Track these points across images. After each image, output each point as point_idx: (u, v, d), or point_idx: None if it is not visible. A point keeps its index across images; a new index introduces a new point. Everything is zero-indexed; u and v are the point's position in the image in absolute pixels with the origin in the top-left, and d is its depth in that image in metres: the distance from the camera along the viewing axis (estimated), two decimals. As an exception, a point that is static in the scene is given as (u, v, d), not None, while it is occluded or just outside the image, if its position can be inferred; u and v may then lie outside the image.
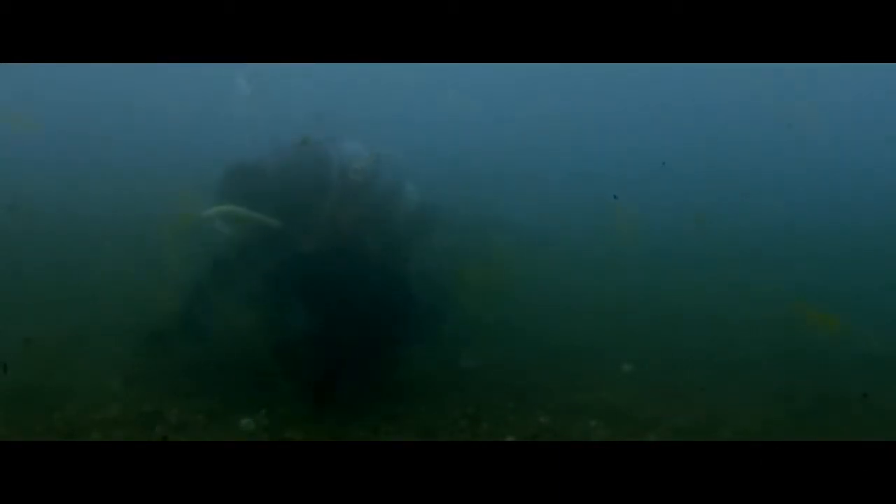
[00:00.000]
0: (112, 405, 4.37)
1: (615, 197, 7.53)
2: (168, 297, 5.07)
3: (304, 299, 4.60)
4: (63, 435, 3.91)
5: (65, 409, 4.25)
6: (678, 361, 5.83)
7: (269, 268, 4.72)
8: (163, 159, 12.03)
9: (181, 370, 4.86)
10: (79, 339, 5.51)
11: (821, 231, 11.87)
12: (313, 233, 4.66)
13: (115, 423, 4.12)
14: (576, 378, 5.31)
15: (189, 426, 4.14)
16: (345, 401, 4.48)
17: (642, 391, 5.08)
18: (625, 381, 5.38)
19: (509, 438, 4.14)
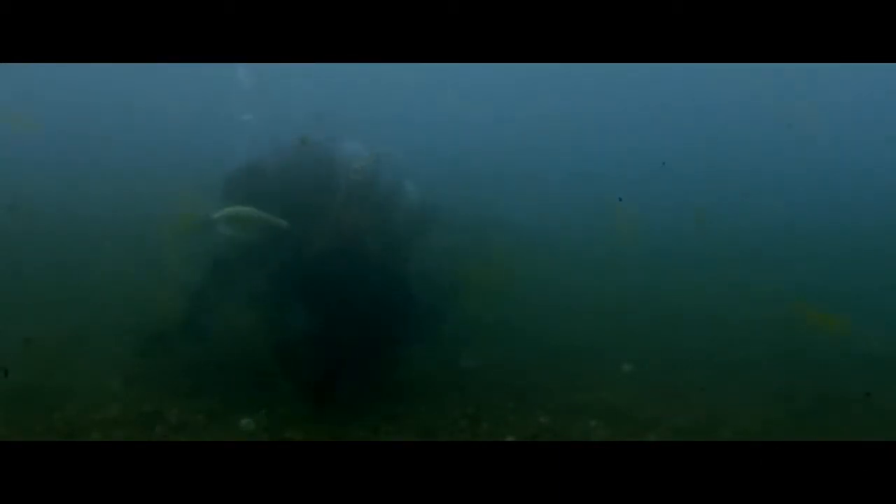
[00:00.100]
0: (112, 405, 4.37)
1: (619, 199, 7.53)
2: (168, 297, 5.07)
3: (304, 299, 4.60)
4: (63, 435, 3.91)
5: (65, 409, 4.25)
6: (678, 361, 5.83)
7: (269, 268, 4.72)
8: (163, 159, 12.03)
9: (181, 370, 4.86)
10: (79, 339, 5.52)
11: (821, 231, 11.87)
12: (313, 233, 4.66)
13: (115, 423, 4.12)
14: (576, 378, 5.31)
15: (189, 426, 4.14)
16: (345, 401, 4.48)
17: (642, 391, 5.08)
18: (625, 381, 5.38)
19: (509, 438, 4.13)
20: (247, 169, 4.87)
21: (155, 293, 5.36)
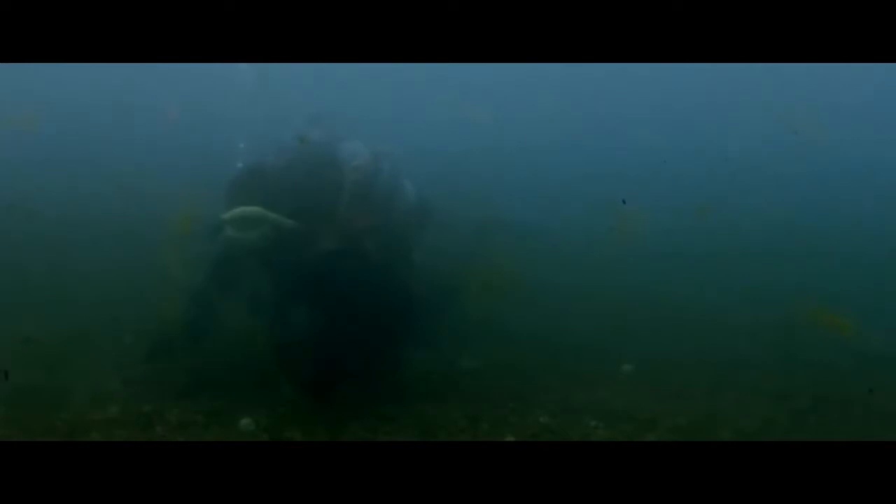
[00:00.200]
0: (112, 405, 4.37)
1: (624, 202, 7.53)
2: (168, 296, 5.07)
3: (304, 299, 4.61)
4: (63, 435, 3.91)
5: (65, 409, 4.25)
6: (678, 361, 5.82)
7: (270, 268, 4.72)
8: (163, 159, 12.02)
9: (181, 370, 4.86)
10: (79, 339, 5.52)
11: (821, 231, 11.86)
12: (312, 232, 4.66)
13: (115, 423, 4.12)
14: (576, 378, 5.31)
15: (189, 426, 4.14)
16: (345, 401, 4.48)
17: (642, 391, 5.07)
18: (625, 381, 5.38)
19: (509, 438, 4.14)
20: (248, 169, 4.86)
21: (155, 293, 5.37)
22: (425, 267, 5.11)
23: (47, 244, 7.77)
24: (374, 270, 4.60)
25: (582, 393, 4.97)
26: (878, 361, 5.93)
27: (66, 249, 7.75)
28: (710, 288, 8.46)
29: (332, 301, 4.44)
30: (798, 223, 12.12)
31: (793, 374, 5.67)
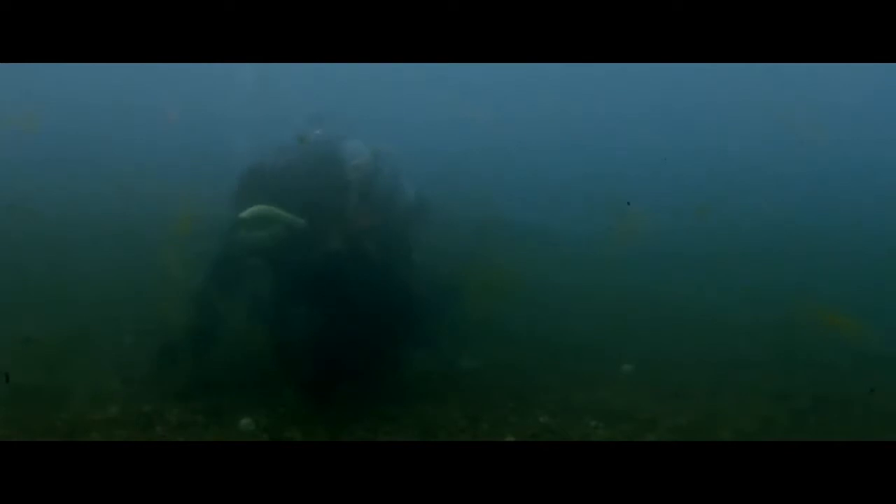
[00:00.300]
0: (112, 405, 4.37)
1: (628, 203, 7.54)
2: (168, 296, 5.07)
3: (304, 299, 4.60)
4: (63, 435, 3.91)
5: (65, 409, 4.25)
6: (678, 361, 5.82)
7: (273, 268, 4.72)
8: (163, 159, 12.02)
9: (181, 370, 4.86)
10: (79, 339, 5.51)
11: (821, 231, 11.86)
12: (313, 232, 4.66)
13: (115, 423, 4.12)
14: (576, 378, 5.31)
15: (189, 426, 4.14)
16: (345, 401, 4.48)
17: (642, 391, 5.07)
18: (625, 381, 5.38)
19: (509, 438, 4.14)
20: (251, 169, 4.86)
21: (155, 293, 5.36)
22: (425, 267, 5.11)
23: (47, 244, 7.78)
24: (375, 270, 4.60)
25: (582, 393, 4.97)
26: (878, 361, 5.92)
27: (66, 249, 7.75)
28: (710, 288, 8.46)
29: (333, 301, 4.44)
30: (798, 223, 12.12)
31: (793, 374, 5.66)
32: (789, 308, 6.35)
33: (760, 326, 6.86)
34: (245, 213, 4.52)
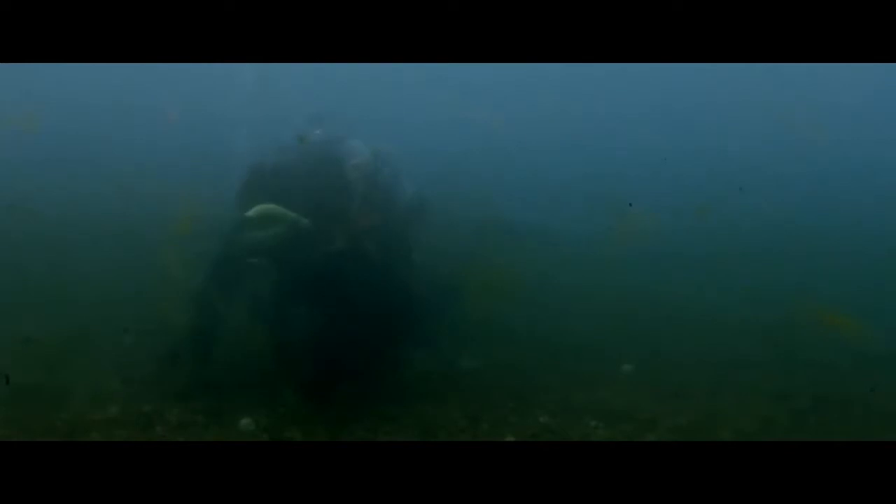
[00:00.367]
0: (112, 405, 4.37)
1: (630, 205, 7.54)
2: (168, 296, 5.07)
3: (304, 299, 4.60)
4: (63, 435, 3.91)
5: (65, 409, 4.25)
6: (678, 361, 5.82)
7: (275, 267, 4.72)
8: (163, 159, 12.02)
9: (181, 370, 4.85)
10: (79, 339, 5.51)
11: (821, 231, 11.86)
12: (320, 232, 4.66)
13: (115, 423, 4.12)
14: (576, 378, 5.31)
15: (189, 426, 4.14)
16: (345, 401, 4.48)
17: (642, 391, 5.07)
18: (625, 381, 5.38)
19: (509, 438, 4.13)
20: (253, 169, 4.85)
21: (155, 293, 5.36)
22: (425, 267, 5.11)
23: (47, 244, 7.78)
24: (375, 270, 4.60)
25: (582, 393, 4.97)
26: (878, 361, 5.92)
27: (66, 249, 7.75)
28: (710, 288, 8.46)
29: (333, 301, 4.43)
30: (798, 223, 12.12)
31: (793, 374, 5.66)
32: (789, 308, 6.34)
33: (760, 326, 6.86)
34: (251, 212, 4.53)
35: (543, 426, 4.35)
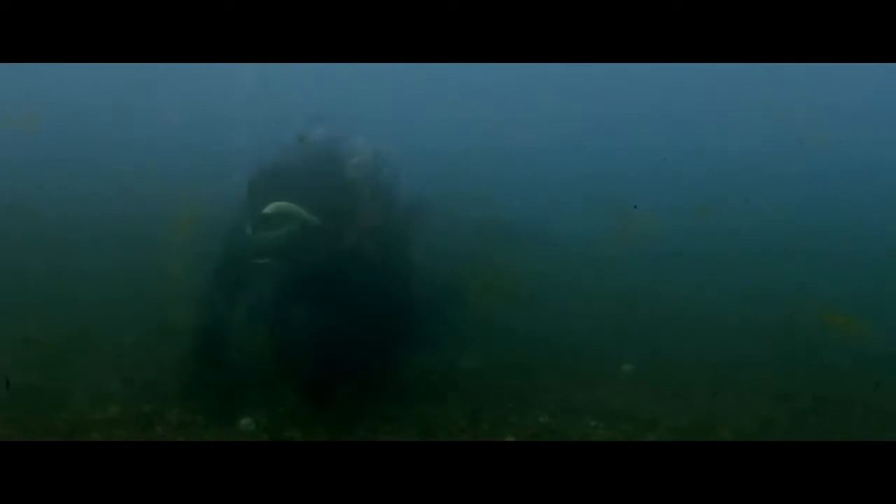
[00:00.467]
0: (112, 405, 4.37)
1: (635, 207, 7.54)
2: (169, 297, 5.07)
3: (305, 299, 4.60)
4: (63, 435, 3.91)
5: (65, 409, 4.25)
6: (678, 361, 5.82)
7: (275, 268, 4.71)
8: (163, 159, 12.02)
9: (181, 371, 4.86)
10: (79, 339, 5.52)
11: (821, 231, 11.86)
12: (321, 232, 4.65)
13: (115, 423, 4.12)
14: (576, 378, 5.31)
15: (189, 426, 4.14)
16: (345, 401, 4.48)
17: (642, 391, 5.07)
18: (625, 381, 5.38)
19: (509, 438, 4.13)
20: (259, 169, 4.85)
21: (155, 293, 5.37)
22: (426, 267, 5.11)
23: (47, 244, 7.78)
24: (375, 271, 4.59)
25: (582, 393, 4.97)
26: (878, 361, 5.93)
27: (66, 249, 7.75)
28: (710, 288, 8.46)
29: (333, 301, 4.43)
30: (798, 223, 12.12)
31: (793, 374, 5.67)
32: (789, 308, 6.35)
33: (760, 326, 6.86)
34: (268, 209, 4.52)
35: (543, 426, 4.35)
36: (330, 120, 5.34)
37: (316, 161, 4.89)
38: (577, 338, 6.32)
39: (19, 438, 3.78)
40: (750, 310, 7.47)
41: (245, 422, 4.18)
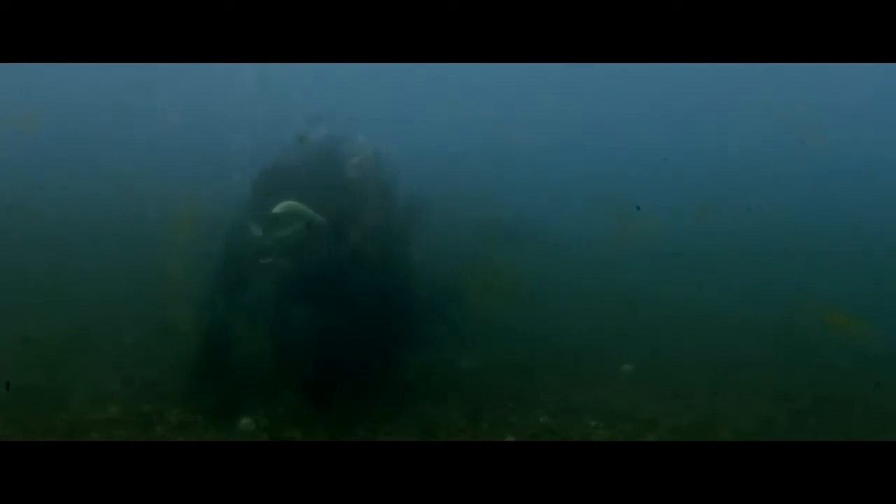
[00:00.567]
0: (112, 405, 4.37)
1: (638, 208, 7.54)
2: (169, 297, 5.07)
3: (304, 299, 4.59)
4: (63, 435, 3.91)
5: (65, 409, 4.25)
6: (678, 361, 5.82)
7: (271, 268, 4.71)
8: (163, 159, 12.02)
9: (181, 371, 4.86)
10: (79, 339, 5.51)
11: (821, 231, 11.86)
12: (316, 232, 4.65)
13: (115, 423, 4.12)
14: (576, 378, 5.31)
15: (189, 426, 4.14)
16: (345, 401, 4.47)
17: (642, 391, 5.07)
18: (625, 381, 5.38)
19: (509, 438, 4.13)
20: (264, 169, 4.85)
21: (155, 293, 5.37)
22: (426, 267, 5.11)
23: (47, 244, 7.78)
24: (375, 271, 4.59)
25: (582, 393, 4.97)
26: (878, 361, 5.93)
27: (66, 249, 7.75)
28: (710, 288, 8.46)
29: (333, 301, 4.43)
30: (798, 223, 12.12)
31: (793, 374, 5.67)
32: (789, 308, 6.35)
33: (760, 326, 6.86)
34: (278, 208, 4.52)
35: (543, 426, 4.35)
36: (330, 120, 5.34)
37: (316, 161, 4.89)
38: (577, 338, 6.32)
39: (19, 438, 3.78)
40: (750, 310, 7.47)
41: (245, 422, 4.18)
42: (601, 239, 9.10)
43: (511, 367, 5.57)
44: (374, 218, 4.78)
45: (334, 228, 4.67)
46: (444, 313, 5.17)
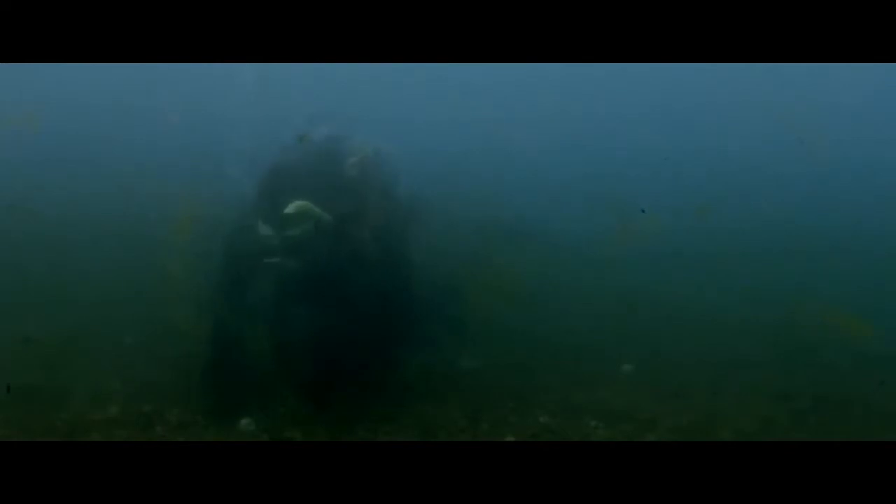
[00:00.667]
0: (112, 405, 4.37)
1: (643, 211, 7.54)
2: (169, 297, 5.07)
3: (304, 299, 4.59)
4: (63, 435, 3.91)
5: (65, 409, 4.25)
6: (678, 361, 5.82)
7: (271, 268, 4.71)
8: (163, 159, 12.01)
9: (181, 371, 4.86)
10: (79, 339, 5.51)
11: (821, 231, 11.85)
12: (320, 232, 4.65)
13: (115, 423, 4.12)
14: (576, 378, 5.31)
15: (189, 426, 4.14)
16: (345, 401, 4.47)
17: (642, 391, 5.07)
18: (625, 381, 5.38)
19: (509, 438, 4.13)
20: (269, 170, 4.85)
21: (155, 293, 5.36)
22: (426, 267, 5.11)
23: (47, 244, 7.77)
24: (375, 270, 4.59)
25: (582, 393, 4.97)
26: (879, 361, 5.93)
27: (66, 249, 7.75)
28: (710, 288, 8.45)
29: (333, 301, 4.43)
30: (798, 223, 12.12)
31: (793, 374, 5.66)
32: (789, 308, 6.35)
33: (760, 326, 6.86)
34: (289, 208, 4.52)
35: (543, 426, 4.35)
36: (330, 120, 5.34)
37: (315, 160, 4.89)
38: (577, 338, 6.32)
39: (19, 438, 3.78)
40: (750, 310, 7.47)
41: (245, 422, 4.18)
42: (601, 239, 9.10)
43: (511, 367, 5.57)
44: (374, 218, 4.78)
45: (334, 228, 4.67)
46: (444, 313, 5.17)
